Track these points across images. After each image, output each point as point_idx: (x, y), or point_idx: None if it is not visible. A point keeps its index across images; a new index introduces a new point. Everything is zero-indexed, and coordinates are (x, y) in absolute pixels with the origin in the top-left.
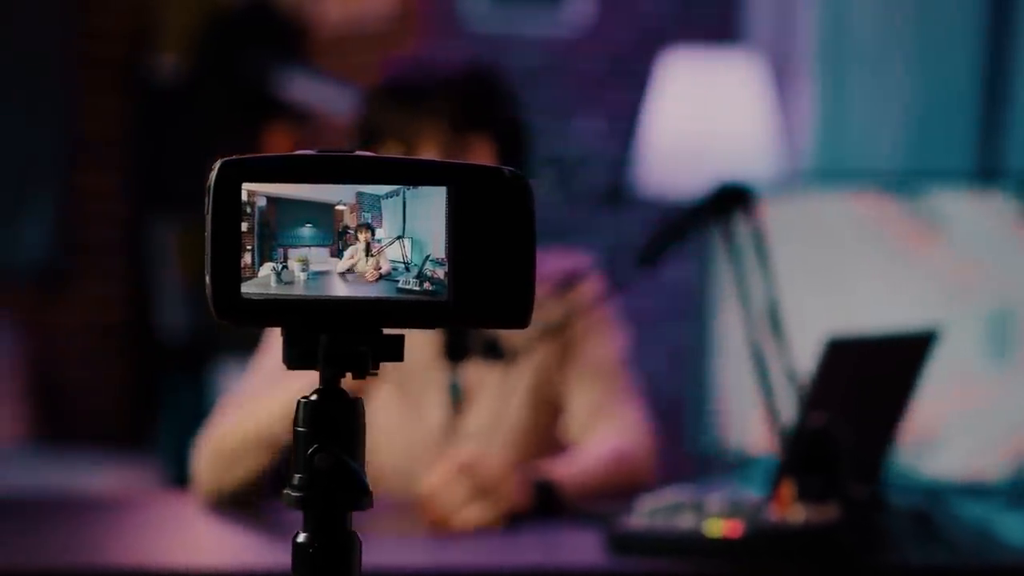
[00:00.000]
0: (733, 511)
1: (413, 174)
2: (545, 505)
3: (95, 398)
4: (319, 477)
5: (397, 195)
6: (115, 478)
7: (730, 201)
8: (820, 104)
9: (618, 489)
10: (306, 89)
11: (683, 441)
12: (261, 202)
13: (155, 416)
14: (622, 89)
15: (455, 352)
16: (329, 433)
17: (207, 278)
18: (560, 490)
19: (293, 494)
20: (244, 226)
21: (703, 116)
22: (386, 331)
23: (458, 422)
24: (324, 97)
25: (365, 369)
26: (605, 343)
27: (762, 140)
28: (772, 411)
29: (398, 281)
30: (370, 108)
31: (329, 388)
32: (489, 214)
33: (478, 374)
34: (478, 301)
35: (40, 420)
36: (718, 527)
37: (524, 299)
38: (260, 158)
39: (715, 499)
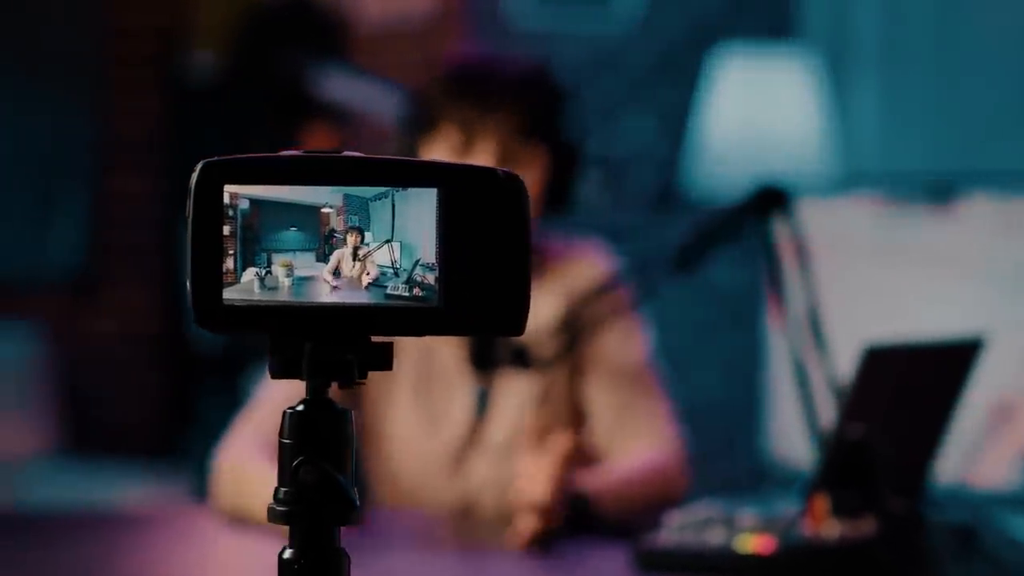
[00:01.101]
0: (765, 526)
1: (402, 175)
2: (578, 519)
3: (127, 409)
4: (305, 491)
5: (386, 197)
6: (147, 491)
7: (768, 203)
8: (879, 102)
9: (652, 503)
10: (346, 88)
11: (736, 453)
12: (244, 204)
13: (188, 427)
14: (672, 87)
15: (483, 360)
16: (315, 445)
17: (187, 284)
18: (593, 504)
19: (278, 508)
20: (226, 230)
21: (757, 114)
22: (374, 339)
23: (480, 432)
24: (364, 96)
25: (351, 378)
26: (627, 345)
27: (818, 140)
28: (812, 422)
29: (387, 287)
30: (433, 92)
31: (316, 398)
32: (482, 217)
33: (504, 383)
34: (470, 308)
35: (70, 431)
36: (749, 543)
37: (519, 305)
38: (243, 158)
39: (747, 514)
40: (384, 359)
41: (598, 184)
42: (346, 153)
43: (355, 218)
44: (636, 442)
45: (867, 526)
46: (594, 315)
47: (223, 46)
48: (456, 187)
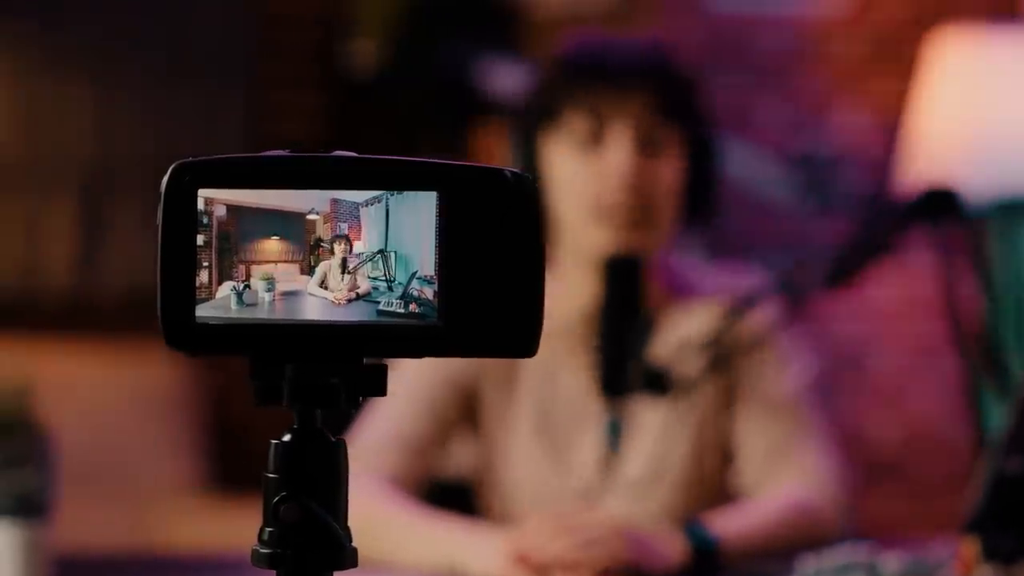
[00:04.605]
0: (909, 572)
1: (398, 177)
2: (705, 565)
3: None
4: (287, 531)
5: (379, 202)
6: None
7: (938, 208)
8: None
9: (795, 548)
10: (518, 82)
11: (963, 490)
12: (220, 211)
13: None
14: (889, 77)
15: (614, 384)
16: (301, 480)
17: (157, 299)
18: (723, 548)
19: (261, 550)
20: (200, 239)
21: (984, 107)
22: (366, 360)
23: (614, 467)
24: None
25: (337, 404)
26: (782, 375)
27: None
28: (985, 451)
29: (379, 302)
30: (554, 78)
31: (304, 427)
32: (487, 223)
33: (638, 411)
34: (474, 326)
35: (215, 465)
36: None
37: (530, 324)
38: (219, 159)
39: (891, 559)
40: (377, 383)
41: (802, 186)
42: (336, 152)
43: (345, 225)
44: (785, 479)
45: None
46: (740, 337)
47: (387, 35)
48: (458, 190)
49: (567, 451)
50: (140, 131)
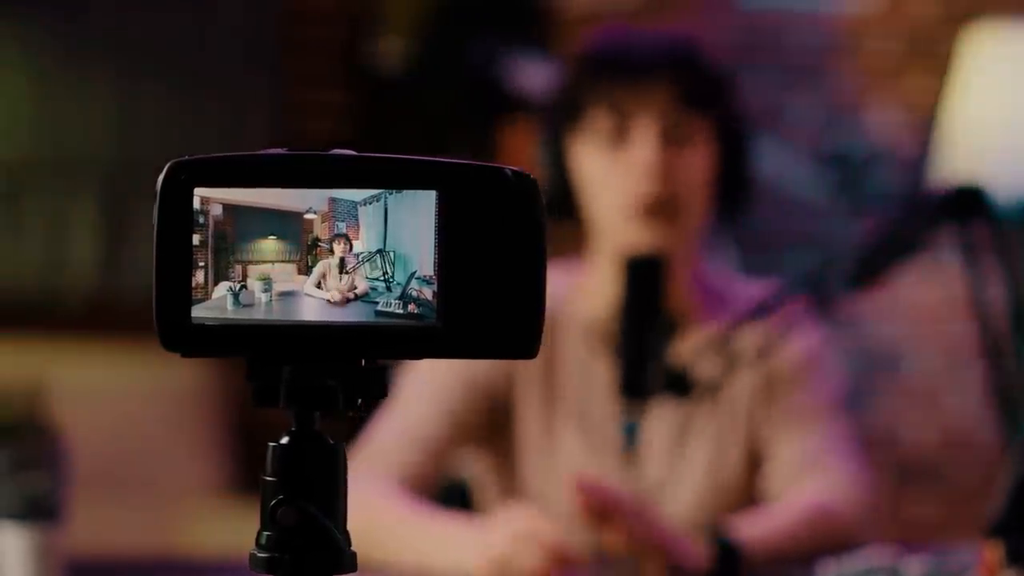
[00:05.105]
0: None
1: (397, 175)
2: (727, 569)
3: None
4: (285, 535)
5: (378, 201)
6: None
7: (967, 208)
8: None
9: (818, 552)
10: (548, 80)
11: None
12: (216, 210)
13: None
14: (922, 74)
15: (632, 386)
16: (299, 483)
17: (153, 300)
18: (746, 553)
19: (259, 554)
20: (196, 239)
21: (1018, 105)
22: (364, 362)
23: (636, 472)
24: None
25: (335, 406)
26: (815, 384)
27: None
28: (1009, 454)
29: (378, 303)
30: (575, 75)
31: (302, 430)
32: (488, 223)
33: (662, 414)
34: (474, 327)
35: (240, 468)
36: None
37: (530, 325)
38: (215, 158)
39: (913, 563)
40: (376, 385)
41: (835, 185)
42: (334, 151)
43: (343, 225)
44: (809, 483)
45: None
46: (760, 341)
47: (414, 32)
48: (458, 189)
49: (604, 448)
50: (164, 130)
